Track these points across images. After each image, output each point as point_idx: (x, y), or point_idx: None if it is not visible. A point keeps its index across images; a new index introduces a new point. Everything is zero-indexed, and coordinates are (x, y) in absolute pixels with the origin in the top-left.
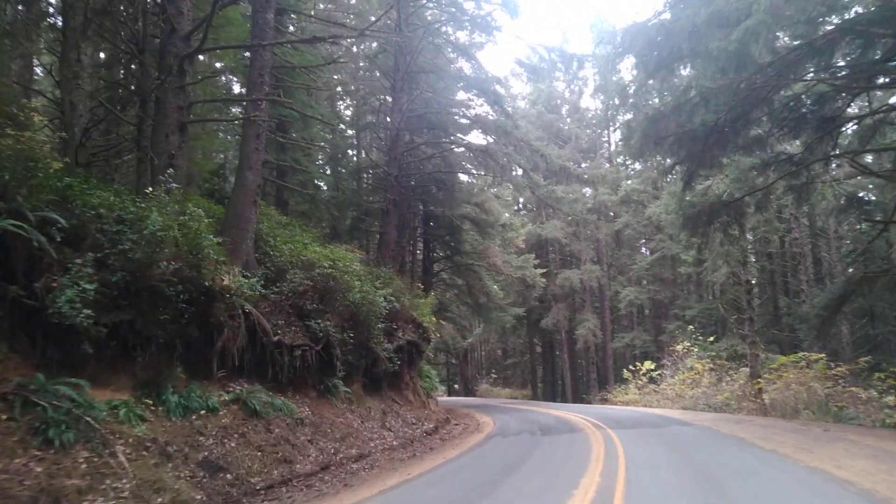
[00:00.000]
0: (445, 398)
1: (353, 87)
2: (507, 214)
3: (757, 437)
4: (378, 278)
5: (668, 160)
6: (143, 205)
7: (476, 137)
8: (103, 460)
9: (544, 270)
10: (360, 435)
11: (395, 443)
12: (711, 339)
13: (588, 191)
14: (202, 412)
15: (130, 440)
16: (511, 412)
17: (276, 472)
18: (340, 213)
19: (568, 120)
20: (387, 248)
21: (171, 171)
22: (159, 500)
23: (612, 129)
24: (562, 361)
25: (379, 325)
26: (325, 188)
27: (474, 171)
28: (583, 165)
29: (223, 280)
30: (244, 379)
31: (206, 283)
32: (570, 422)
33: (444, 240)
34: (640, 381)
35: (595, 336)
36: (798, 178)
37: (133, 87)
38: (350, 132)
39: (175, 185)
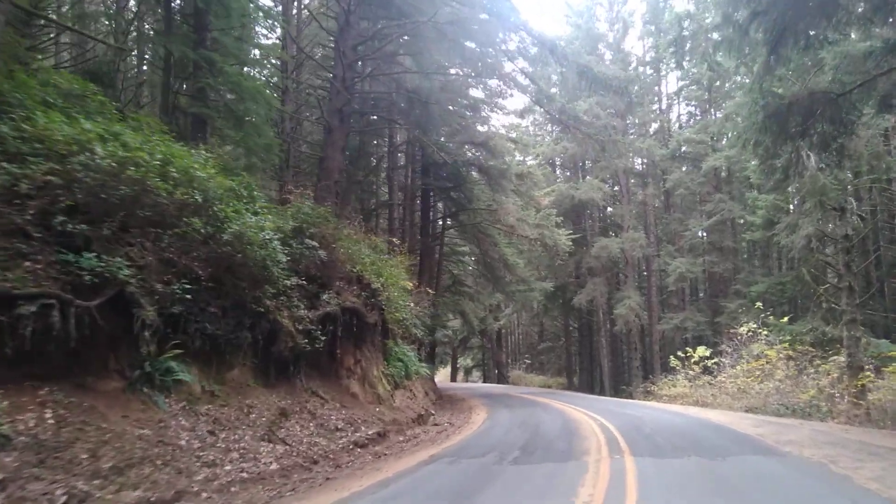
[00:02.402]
0: (470, 385)
1: None
2: (519, 156)
3: None
4: (302, 217)
5: (744, 9)
6: None
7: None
8: None
9: (577, 235)
10: (179, 460)
11: (271, 467)
12: (785, 319)
13: (632, 135)
14: None
15: None
16: (519, 408)
17: None
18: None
19: (612, 67)
20: (328, 178)
21: None
22: None
23: (663, 72)
24: (600, 346)
25: (285, 282)
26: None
27: (453, 71)
28: (628, 120)
29: None
30: None
31: None
32: (579, 433)
33: (449, 194)
34: (691, 371)
35: (638, 317)
36: None
37: None
38: None
39: None
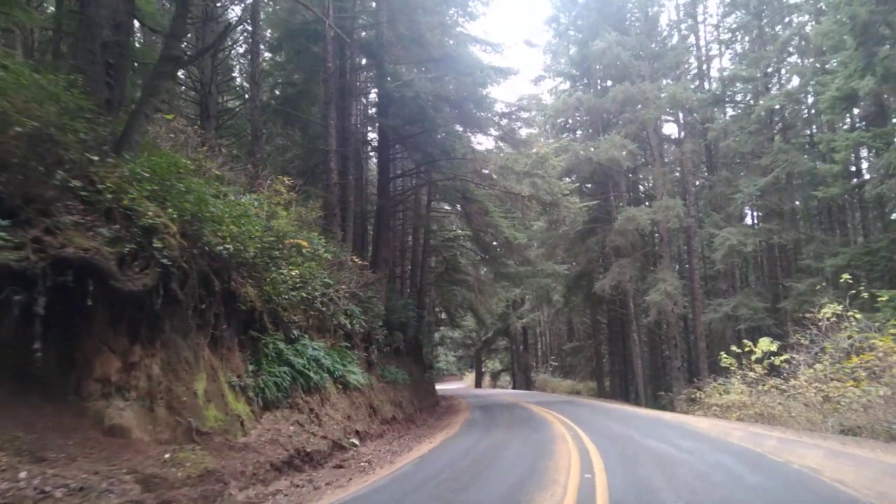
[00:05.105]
0: (491, 391)
1: None
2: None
3: None
4: None
5: None
6: None
7: None
8: None
9: (594, 202)
10: None
11: None
12: (884, 297)
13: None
14: None
15: None
16: (503, 429)
17: None
18: None
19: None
20: (89, 38)
21: None
22: None
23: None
24: (632, 344)
25: None
26: None
27: None
28: (655, 65)
29: None
30: None
31: None
32: None
33: (416, 141)
34: (751, 373)
35: (676, 304)
36: None
37: None
38: None
39: None
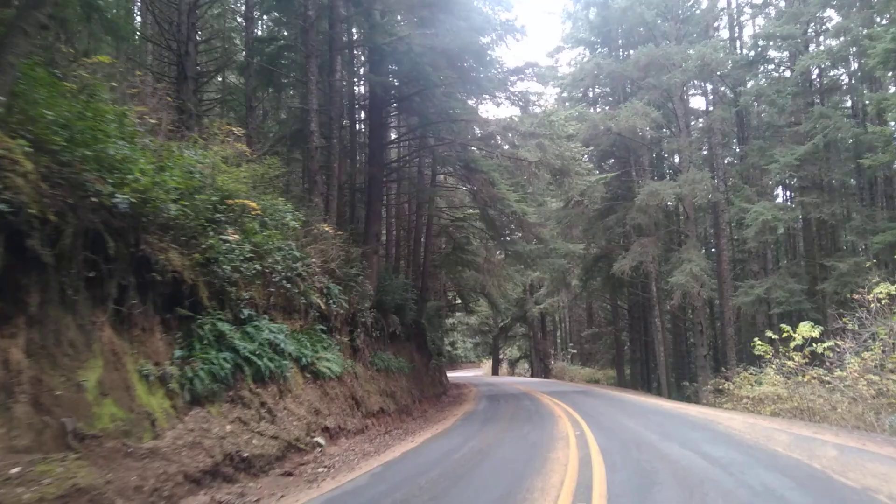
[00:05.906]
0: (507, 379)
1: None
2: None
3: None
4: None
5: None
6: None
7: None
8: None
9: (613, 173)
10: None
11: None
12: None
13: (692, 52)
14: None
15: None
16: (502, 423)
17: None
18: None
19: None
20: None
21: None
22: None
23: None
24: (654, 330)
25: None
26: None
27: None
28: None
29: None
30: None
31: None
32: None
33: (411, 102)
34: (788, 362)
35: (703, 287)
36: None
37: None
38: None
39: None
